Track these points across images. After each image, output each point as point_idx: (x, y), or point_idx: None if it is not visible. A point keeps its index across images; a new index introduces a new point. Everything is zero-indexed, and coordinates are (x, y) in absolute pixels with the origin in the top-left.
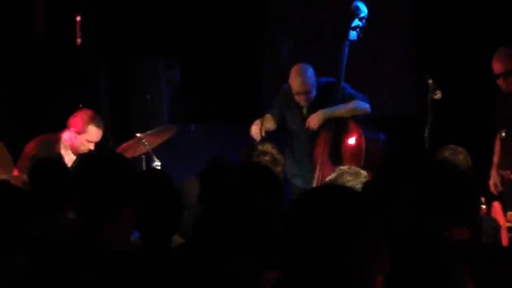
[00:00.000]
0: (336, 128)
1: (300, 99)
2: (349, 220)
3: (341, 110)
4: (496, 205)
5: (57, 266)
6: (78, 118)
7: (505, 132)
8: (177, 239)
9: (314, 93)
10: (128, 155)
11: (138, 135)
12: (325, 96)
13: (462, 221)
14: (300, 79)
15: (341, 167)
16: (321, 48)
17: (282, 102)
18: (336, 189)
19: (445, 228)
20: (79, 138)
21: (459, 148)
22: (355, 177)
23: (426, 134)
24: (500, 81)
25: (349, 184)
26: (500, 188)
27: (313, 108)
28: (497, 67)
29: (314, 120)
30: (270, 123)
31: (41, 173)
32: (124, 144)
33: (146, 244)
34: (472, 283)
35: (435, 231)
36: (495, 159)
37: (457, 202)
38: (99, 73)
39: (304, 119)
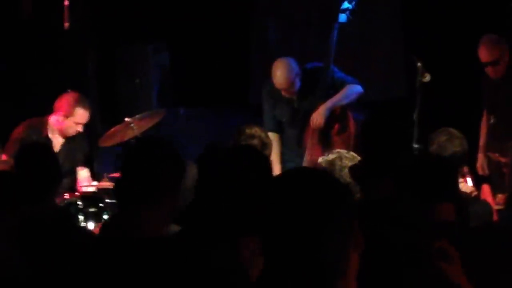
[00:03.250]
0: None
1: (284, 93)
2: (322, 199)
3: (340, 99)
4: (486, 188)
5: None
6: (64, 101)
7: (493, 118)
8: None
9: (298, 84)
10: (117, 139)
11: (127, 119)
12: (314, 82)
13: (441, 198)
14: (279, 76)
15: (339, 150)
16: (309, 31)
17: (270, 100)
18: (310, 171)
19: (427, 206)
20: (67, 121)
21: (456, 133)
22: (352, 162)
23: (414, 117)
24: (488, 69)
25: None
26: (486, 170)
27: (302, 96)
28: (484, 55)
29: (318, 119)
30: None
31: (27, 157)
32: (113, 129)
33: None
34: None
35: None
36: (481, 142)
37: (432, 178)
38: (86, 57)
39: (295, 109)
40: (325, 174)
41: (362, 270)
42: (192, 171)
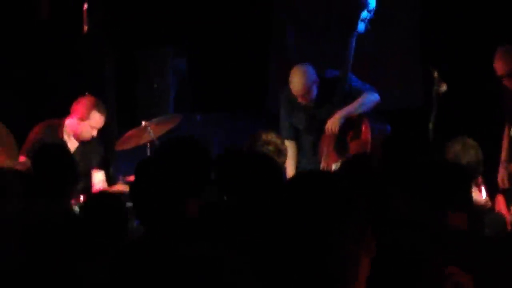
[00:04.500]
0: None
1: (301, 100)
2: (333, 203)
3: (357, 108)
4: (500, 199)
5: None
6: (81, 105)
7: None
8: None
9: (315, 91)
10: (133, 143)
11: (143, 123)
12: (331, 90)
13: (454, 206)
14: (296, 82)
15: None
16: (327, 38)
17: (287, 107)
18: (322, 175)
19: (439, 214)
20: (82, 124)
21: (471, 142)
22: None
23: (430, 127)
24: (505, 82)
25: None
26: (507, 184)
27: (319, 103)
28: (499, 68)
29: (334, 126)
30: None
31: (44, 157)
32: (129, 132)
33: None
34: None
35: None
36: (503, 155)
37: (446, 185)
38: (105, 61)
39: (312, 116)
40: (338, 178)
41: (372, 276)
42: None
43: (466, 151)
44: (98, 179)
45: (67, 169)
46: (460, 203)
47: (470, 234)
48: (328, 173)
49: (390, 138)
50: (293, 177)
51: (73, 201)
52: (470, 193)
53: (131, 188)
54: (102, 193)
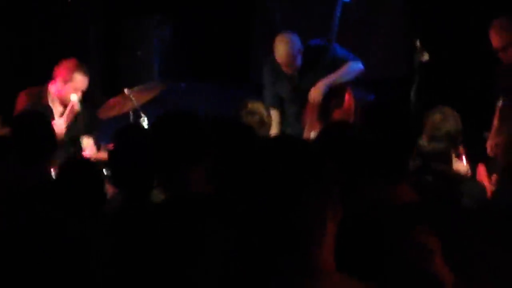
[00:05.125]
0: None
1: (286, 69)
2: (300, 164)
3: (340, 76)
4: (481, 169)
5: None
6: (63, 67)
7: (503, 102)
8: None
9: (299, 60)
10: (116, 111)
11: (126, 91)
12: (315, 59)
13: (395, 179)
14: (281, 50)
15: None
16: (312, 8)
17: (270, 76)
18: (292, 138)
19: (380, 187)
20: (66, 87)
21: (450, 111)
22: None
23: (412, 96)
24: (500, 55)
25: None
26: (494, 153)
27: (304, 73)
28: (494, 41)
29: (317, 94)
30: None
31: (21, 123)
32: (112, 100)
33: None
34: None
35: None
36: (494, 125)
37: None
38: (89, 29)
39: (296, 85)
40: (307, 142)
41: (340, 245)
42: None
43: (445, 120)
44: (87, 144)
45: (43, 134)
46: (400, 174)
47: (449, 204)
48: (298, 138)
49: (368, 106)
50: (265, 140)
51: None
52: (404, 164)
53: (108, 155)
54: (77, 159)
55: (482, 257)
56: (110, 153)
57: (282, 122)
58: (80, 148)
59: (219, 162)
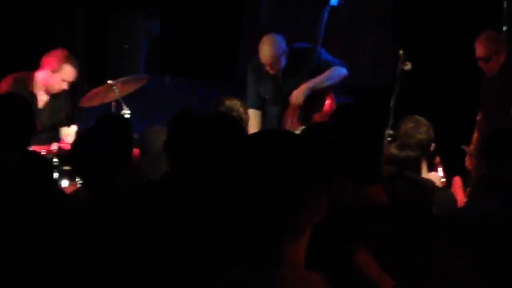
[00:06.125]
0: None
1: (269, 69)
2: (296, 166)
3: (323, 80)
4: (457, 180)
5: None
6: (53, 57)
7: (481, 114)
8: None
9: (283, 62)
10: (98, 101)
11: (109, 81)
12: (299, 62)
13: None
14: (266, 51)
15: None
16: (302, 11)
17: (254, 76)
18: (287, 135)
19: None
20: (54, 76)
21: (423, 120)
22: None
23: (391, 104)
24: (480, 64)
25: None
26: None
27: (287, 74)
28: (478, 50)
29: (298, 97)
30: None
31: (3, 107)
32: (95, 90)
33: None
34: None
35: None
36: (475, 136)
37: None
38: (77, 20)
39: (279, 86)
40: (303, 140)
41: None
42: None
43: (417, 129)
44: (69, 132)
45: (24, 119)
46: (373, 175)
47: (385, 207)
48: (294, 135)
49: (336, 108)
50: (257, 133)
51: (45, 152)
52: (371, 166)
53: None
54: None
55: (443, 264)
56: (75, 145)
57: (263, 122)
58: (58, 136)
59: (207, 154)
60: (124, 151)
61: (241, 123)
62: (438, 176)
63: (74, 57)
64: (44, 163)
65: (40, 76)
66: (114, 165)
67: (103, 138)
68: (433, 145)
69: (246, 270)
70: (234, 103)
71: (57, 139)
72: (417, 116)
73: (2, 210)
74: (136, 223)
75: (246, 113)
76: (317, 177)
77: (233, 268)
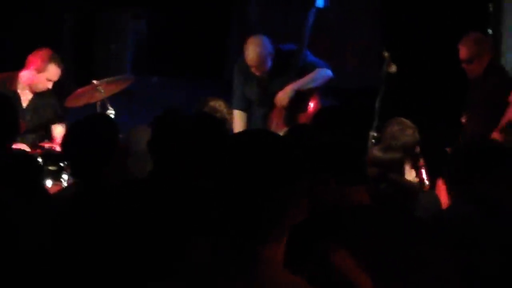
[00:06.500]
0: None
1: (255, 71)
2: (280, 166)
3: (308, 82)
4: (441, 183)
5: None
6: (38, 57)
7: (465, 118)
8: None
9: (269, 63)
10: (84, 101)
11: (95, 81)
12: (285, 63)
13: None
14: (251, 52)
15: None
16: (290, 12)
17: (240, 77)
18: (272, 135)
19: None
20: (38, 76)
21: (409, 123)
22: None
23: (376, 106)
24: (464, 66)
25: None
26: None
27: (273, 75)
28: (461, 52)
29: (283, 99)
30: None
31: None
32: (80, 90)
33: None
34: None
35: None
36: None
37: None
38: (64, 19)
39: (264, 88)
40: (288, 140)
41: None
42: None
43: (403, 130)
44: (58, 132)
45: (8, 118)
46: (357, 176)
47: (367, 208)
48: (279, 136)
49: (321, 112)
50: (240, 132)
51: (30, 151)
52: (354, 166)
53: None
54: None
55: (424, 265)
56: (65, 142)
57: (249, 123)
58: (45, 136)
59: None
60: (109, 143)
61: (224, 123)
62: (422, 178)
63: (58, 56)
64: (30, 162)
65: (25, 75)
66: (101, 156)
67: (90, 129)
68: (417, 148)
69: (227, 267)
70: (219, 104)
71: (46, 138)
72: (402, 119)
73: None
74: (117, 221)
75: (230, 114)
76: (301, 177)
77: (214, 266)
